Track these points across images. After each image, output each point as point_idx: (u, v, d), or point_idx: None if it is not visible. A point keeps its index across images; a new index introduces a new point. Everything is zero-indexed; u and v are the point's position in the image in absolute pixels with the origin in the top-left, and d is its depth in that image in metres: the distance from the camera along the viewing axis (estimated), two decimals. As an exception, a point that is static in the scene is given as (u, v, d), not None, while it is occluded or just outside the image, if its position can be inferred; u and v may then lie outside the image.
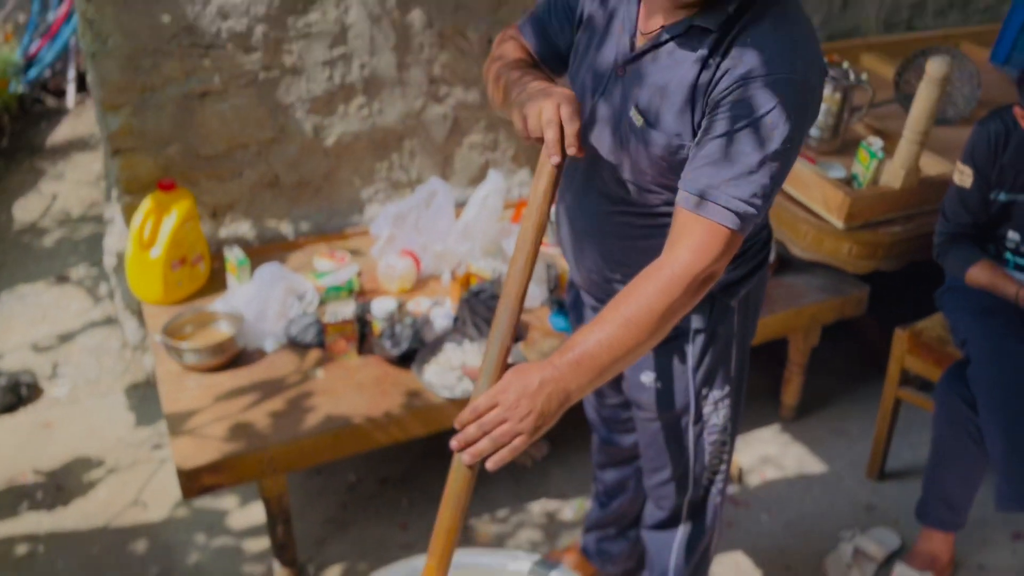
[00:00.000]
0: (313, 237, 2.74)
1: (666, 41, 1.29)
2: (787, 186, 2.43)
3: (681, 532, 1.78)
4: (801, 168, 2.39)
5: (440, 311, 2.35)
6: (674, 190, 1.30)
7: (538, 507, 2.44)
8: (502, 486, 2.49)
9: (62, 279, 3.28)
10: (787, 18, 1.25)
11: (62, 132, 4.23)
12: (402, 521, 2.38)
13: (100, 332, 3.00)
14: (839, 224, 2.32)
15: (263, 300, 2.28)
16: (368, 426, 2.04)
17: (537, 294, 2.45)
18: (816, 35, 1.30)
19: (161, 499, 2.40)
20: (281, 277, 2.33)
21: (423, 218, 2.58)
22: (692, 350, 1.54)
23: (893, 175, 2.34)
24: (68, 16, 4.27)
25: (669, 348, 1.55)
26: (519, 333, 2.33)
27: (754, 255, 1.53)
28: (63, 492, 2.42)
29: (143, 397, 2.74)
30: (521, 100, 1.31)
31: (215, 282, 2.49)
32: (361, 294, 2.46)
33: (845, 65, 2.58)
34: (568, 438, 2.59)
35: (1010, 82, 3.06)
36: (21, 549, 2.25)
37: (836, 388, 2.92)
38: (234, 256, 2.39)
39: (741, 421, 1.72)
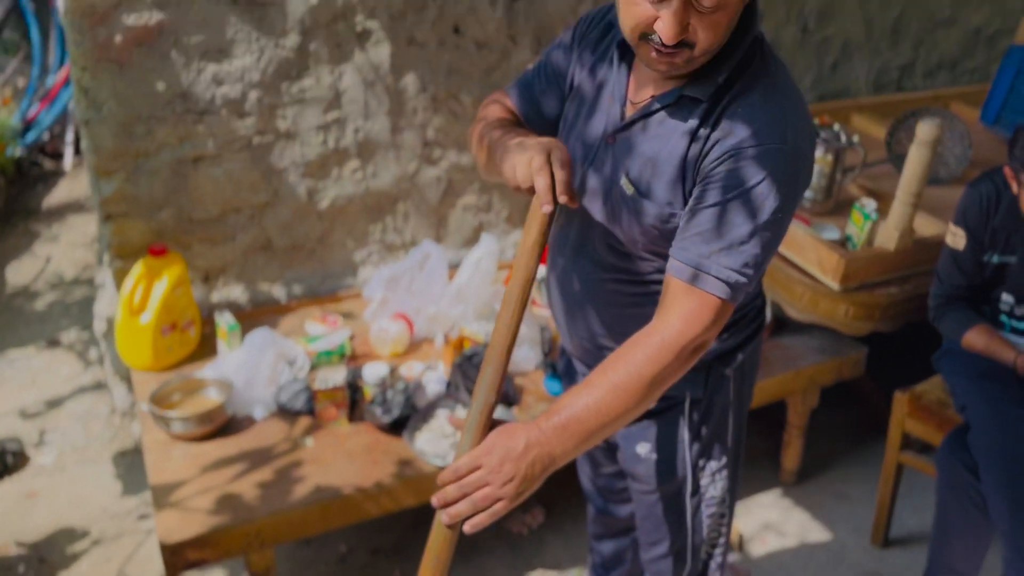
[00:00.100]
0: (306, 300, 2.72)
1: (657, 111, 1.29)
2: (782, 248, 2.42)
3: (681, 607, 1.73)
4: (795, 229, 2.38)
5: (433, 375, 2.32)
6: (666, 257, 1.29)
7: (534, 577, 2.38)
8: (497, 554, 2.43)
9: (53, 343, 3.24)
10: (776, 88, 1.25)
11: (58, 194, 4.24)
12: (394, 593, 2.32)
13: (89, 398, 2.96)
14: (835, 286, 2.30)
15: (253, 366, 2.25)
16: (358, 497, 1.99)
17: (532, 357, 2.42)
18: (805, 102, 1.30)
19: (146, 572, 2.34)
20: (272, 342, 2.30)
21: (416, 281, 2.56)
22: (688, 421, 1.51)
23: (887, 236, 2.34)
24: (67, 80, 4.32)
25: (664, 419, 1.51)
26: (512, 397, 2.29)
27: (748, 323, 1.51)
28: (45, 565, 2.36)
29: (130, 465, 2.69)
30: (509, 150, 1.29)
31: (206, 347, 2.46)
32: (353, 358, 2.43)
33: (836, 127, 2.59)
34: (564, 506, 2.53)
35: (1000, 141, 3.09)
36: (-1, 626, 2.19)
37: (837, 451, 2.88)
38: (225, 321, 2.37)
39: (739, 491, 1.68)
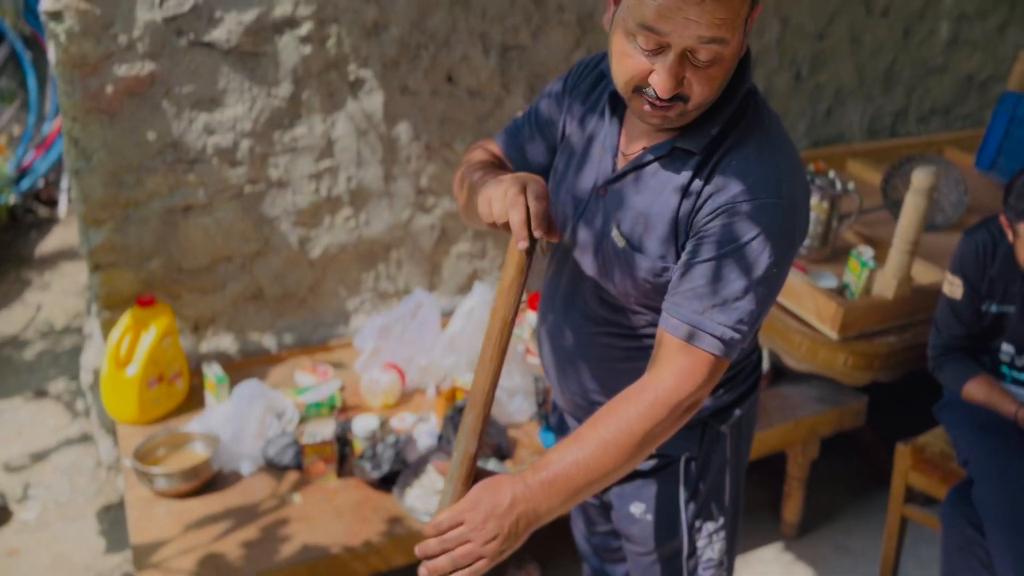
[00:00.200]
0: (296, 350, 2.68)
1: (649, 162, 1.27)
2: (779, 296, 2.39)
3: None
4: (793, 277, 2.36)
5: (424, 428, 2.27)
6: (658, 311, 1.26)
7: (529, 637, 2.30)
8: (491, 614, 2.35)
9: (40, 394, 3.19)
10: (770, 141, 1.23)
11: (52, 241, 4.22)
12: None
13: (75, 450, 2.90)
14: (833, 335, 2.27)
15: (241, 420, 2.20)
16: (346, 556, 1.93)
17: (525, 408, 2.37)
18: (799, 154, 1.28)
19: (128, 633, 2.26)
20: (260, 395, 2.26)
21: (408, 330, 2.53)
22: (684, 480, 1.46)
23: (885, 285, 2.31)
24: (63, 128, 4.32)
25: (659, 478, 1.47)
26: (506, 450, 2.24)
27: (745, 378, 1.47)
28: (24, 626, 2.29)
29: (115, 520, 2.62)
30: (485, 185, 1.24)
31: (194, 398, 2.41)
32: (343, 410, 2.38)
33: (832, 174, 2.58)
34: (560, 562, 2.47)
35: (997, 187, 3.08)
36: None
37: (838, 503, 2.81)
38: (213, 373, 2.33)
39: (738, 548, 1.62)
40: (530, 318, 2.52)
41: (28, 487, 2.76)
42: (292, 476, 2.14)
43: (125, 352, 2.30)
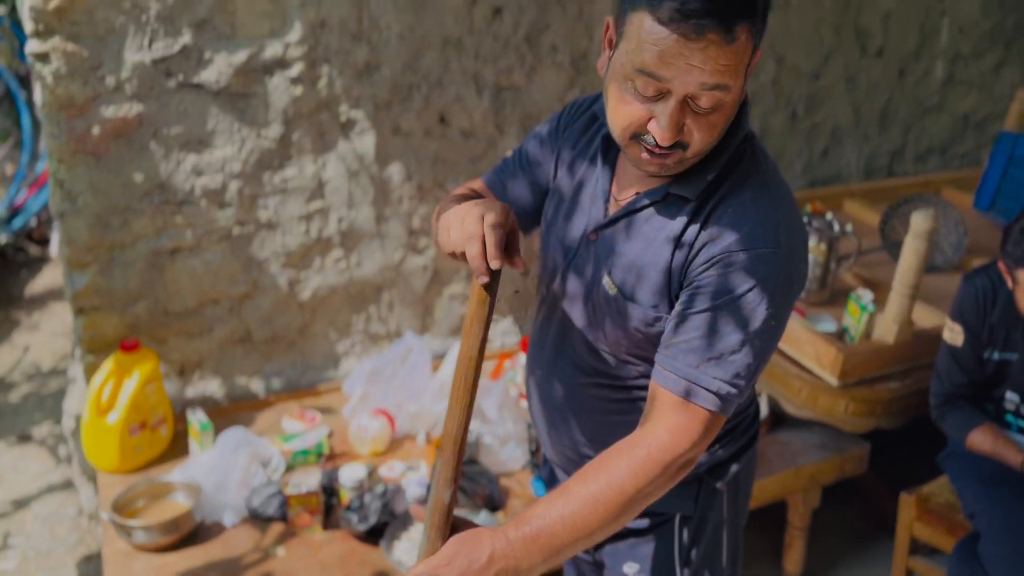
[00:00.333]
0: (284, 394, 2.62)
1: (643, 207, 1.22)
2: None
3: None
4: (791, 322, 2.30)
5: (414, 477, 2.21)
6: (651, 362, 1.21)
7: None
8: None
9: (24, 438, 3.12)
10: (767, 188, 1.19)
11: (42, 281, 4.18)
12: None
13: (56, 498, 2.83)
14: (833, 381, 2.22)
15: (225, 468, 2.13)
16: (330, 614, 1.86)
17: (518, 456, 2.31)
18: (795, 200, 1.24)
19: None
20: (246, 442, 2.20)
21: (398, 375, 2.47)
22: (679, 540, 1.40)
23: (886, 329, 2.26)
24: (57, 167, 4.30)
25: (654, 537, 1.41)
26: (498, 501, 2.17)
27: (742, 433, 1.42)
28: None
29: (95, 572, 2.54)
30: (446, 212, 1.16)
31: (178, 445, 2.35)
32: (331, 458, 2.32)
33: (829, 215, 2.55)
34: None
35: (996, 227, 3.04)
36: None
37: (841, 552, 2.73)
38: (197, 420, 2.27)
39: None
40: (523, 360, 2.46)
41: (8, 536, 2.68)
42: (276, 528, 2.07)
43: (107, 398, 2.24)
